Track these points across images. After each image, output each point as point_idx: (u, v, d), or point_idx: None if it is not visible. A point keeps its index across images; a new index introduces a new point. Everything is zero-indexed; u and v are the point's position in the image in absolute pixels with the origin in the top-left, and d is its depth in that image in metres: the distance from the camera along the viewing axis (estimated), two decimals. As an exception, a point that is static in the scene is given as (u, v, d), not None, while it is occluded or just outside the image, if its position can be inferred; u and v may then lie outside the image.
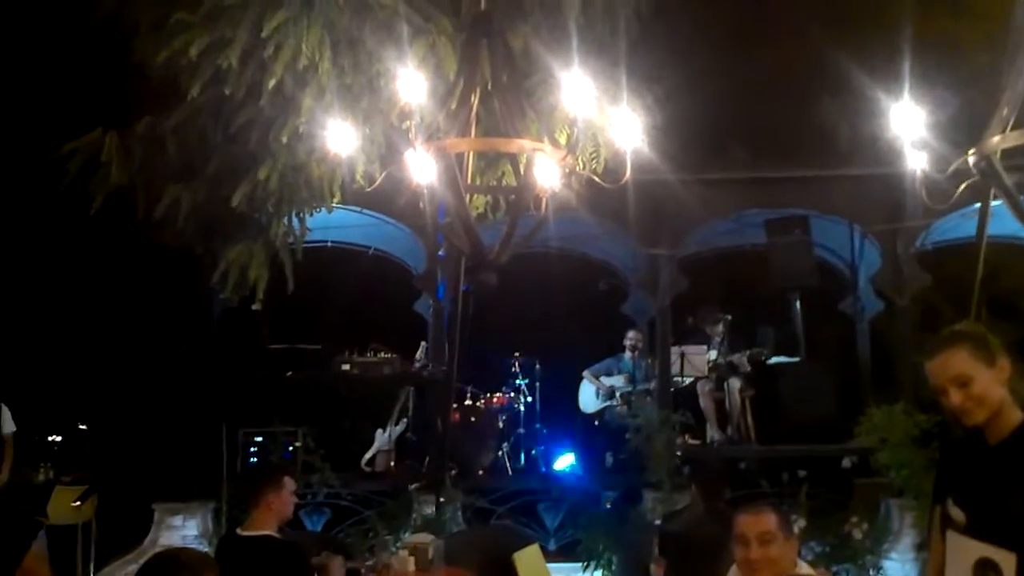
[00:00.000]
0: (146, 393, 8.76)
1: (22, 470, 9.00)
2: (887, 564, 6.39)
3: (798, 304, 8.33)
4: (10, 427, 6.87)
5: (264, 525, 3.79)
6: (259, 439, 7.47)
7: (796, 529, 4.16)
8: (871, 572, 6.43)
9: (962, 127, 5.38)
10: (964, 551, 2.26)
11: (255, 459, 7.36)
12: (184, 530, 6.81)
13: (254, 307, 6.08)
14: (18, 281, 9.49)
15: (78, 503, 6.77)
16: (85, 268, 9.02)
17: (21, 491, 7.94)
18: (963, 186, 4.86)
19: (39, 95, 7.66)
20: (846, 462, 7.71)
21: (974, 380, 2.27)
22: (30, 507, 6.99)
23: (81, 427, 11.84)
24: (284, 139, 5.32)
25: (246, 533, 3.81)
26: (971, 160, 4.58)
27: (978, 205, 5.55)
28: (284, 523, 3.95)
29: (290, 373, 7.87)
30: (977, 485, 2.29)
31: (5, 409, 6.84)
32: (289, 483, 3.94)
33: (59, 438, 11.73)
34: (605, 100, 4.66)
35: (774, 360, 8.28)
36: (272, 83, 5.07)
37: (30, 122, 7.30)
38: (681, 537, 4.53)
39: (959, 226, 7.74)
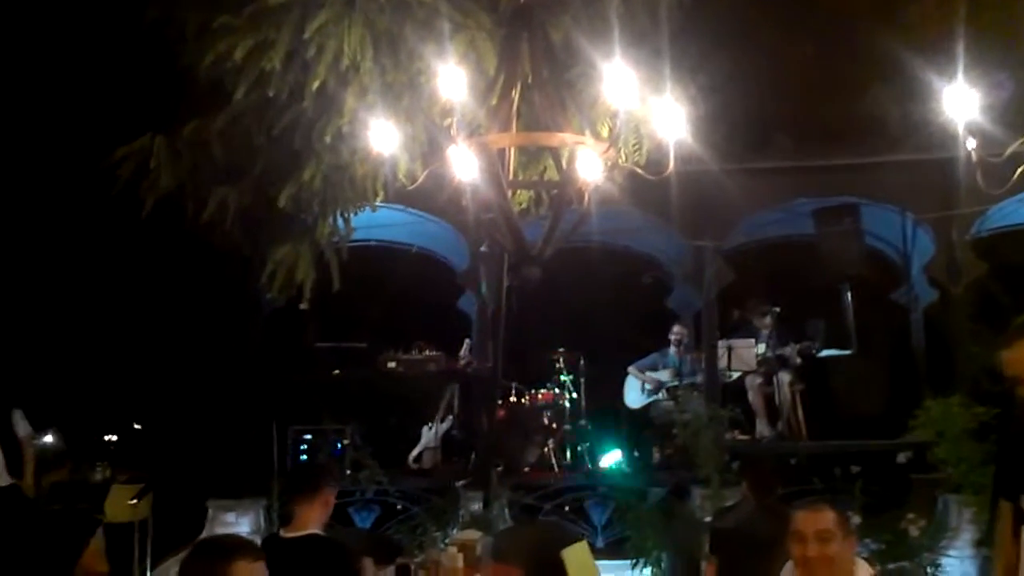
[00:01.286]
0: (199, 393, 8.92)
1: (80, 468, 9.26)
2: (945, 561, 6.22)
3: (849, 295, 8.16)
4: (25, 430, 6.93)
5: (310, 524, 3.80)
6: (308, 437, 7.57)
7: (852, 526, 4.07)
8: (928, 570, 6.26)
9: (1018, 110, 5.21)
10: None
11: (305, 456, 7.46)
12: (237, 527, 6.93)
13: (301, 307, 6.14)
14: (74, 285, 9.75)
15: (135, 501, 6.93)
16: (138, 271, 9.22)
17: (79, 490, 8.17)
18: (1020, 170, 4.70)
19: (90, 102, 7.84)
20: (901, 457, 7.53)
21: None
22: (88, 505, 7.18)
23: (136, 427, 12.13)
24: (327, 139, 5.35)
25: (291, 534, 3.79)
26: (1029, 143, 4.42)
27: (1037, 189, 5.35)
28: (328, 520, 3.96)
29: (337, 371, 7.96)
30: None
31: (19, 413, 6.90)
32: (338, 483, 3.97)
33: (115, 437, 12.03)
34: (647, 91, 4.59)
35: (825, 353, 8.12)
36: (315, 84, 5.11)
37: (82, 128, 7.47)
38: (733, 534, 4.46)
39: (1016, 211, 7.52)
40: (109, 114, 6.93)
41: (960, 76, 4.54)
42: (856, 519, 6.15)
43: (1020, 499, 2.26)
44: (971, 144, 4.62)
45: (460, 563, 4.64)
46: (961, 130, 4.54)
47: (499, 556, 4.89)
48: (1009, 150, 4.59)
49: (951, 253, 7.65)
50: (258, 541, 6.55)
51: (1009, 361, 2.23)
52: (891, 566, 6.21)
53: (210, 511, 6.99)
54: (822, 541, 2.63)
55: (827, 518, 2.66)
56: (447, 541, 5.19)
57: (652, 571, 6.45)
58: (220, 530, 6.86)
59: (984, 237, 7.97)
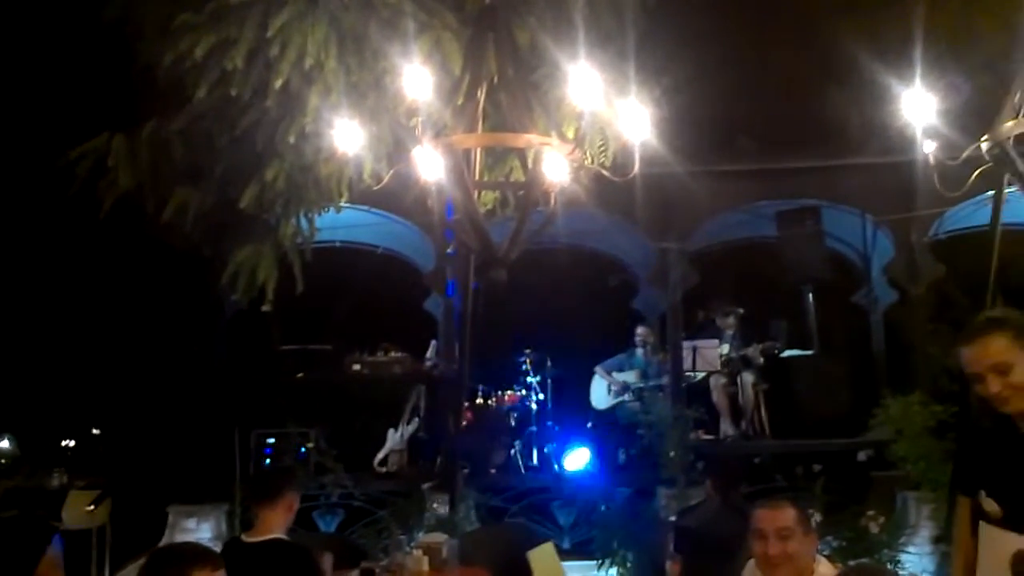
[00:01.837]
0: (159, 396, 8.77)
1: (37, 474, 9.05)
2: (904, 557, 6.32)
3: (811, 296, 8.27)
4: None
5: (274, 528, 3.74)
6: (272, 440, 7.47)
7: (814, 523, 4.12)
8: (888, 566, 6.36)
9: (974, 114, 5.32)
10: (1001, 543, 2.21)
11: (268, 460, 7.36)
12: (198, 532, 6.81)
13: (264, 308, 6.07)
14: (29, 287, 9.53)
15: (92, 507, 6.78)
16: (95, 272, 9.04)
17: (35, 496, 7.98)
18: (976, 173, 4.81)
19: (46, 100, 7.67)
20: (862, 455, 7.66)
21: (1014, 368, 2.20)
22: (44, 512, 7.01)
23: (94, 432, 11.89)
24: (291, 139, 5.30)
25: (253, 539, 3.74)
26: (984, 147, 4.53)
27: (992, 192, 5.48)
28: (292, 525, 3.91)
29: (301, 374, 7.87)
30: (1013, 476, 2.23)
31: None
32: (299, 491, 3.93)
33: (72, 443, 11.78)
34: (612, 93, 4.61)
35: (787, 353, 8.23)
36: (278, 83, 5.05)
37: (37, 127, 7.31)
38: (697, 533, 4.49)
39: (973, 214, 7.66)
40: (67, 112, 6.79)
41: (918, 80, 4.63)
42: (817, 517, 6.23)
43: (978, 494, 2.29)
44: (929, 147, 4.72)
45: (425, 566, 4.61)
46: (919, 134, 4.63)
47: (465, 558, 4.87)
48: (965, 153, 4.69)
49: (910, 255, 7.79)
50: (219, 547, 6.47)
51: (968, 359, 2.26)
52: (851, 563, 6.29)
53: (170, 517, 6.86)
54: (783, 539, 2.65)
55: (788, 516, 2.69)
56: (412, 544, 5.15)
57: (618, 571, 6.47)
58: (181, 536, 6.74)
59: (942, 240, 8.13)
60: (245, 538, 3.77)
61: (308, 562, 3.73)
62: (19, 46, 7.67)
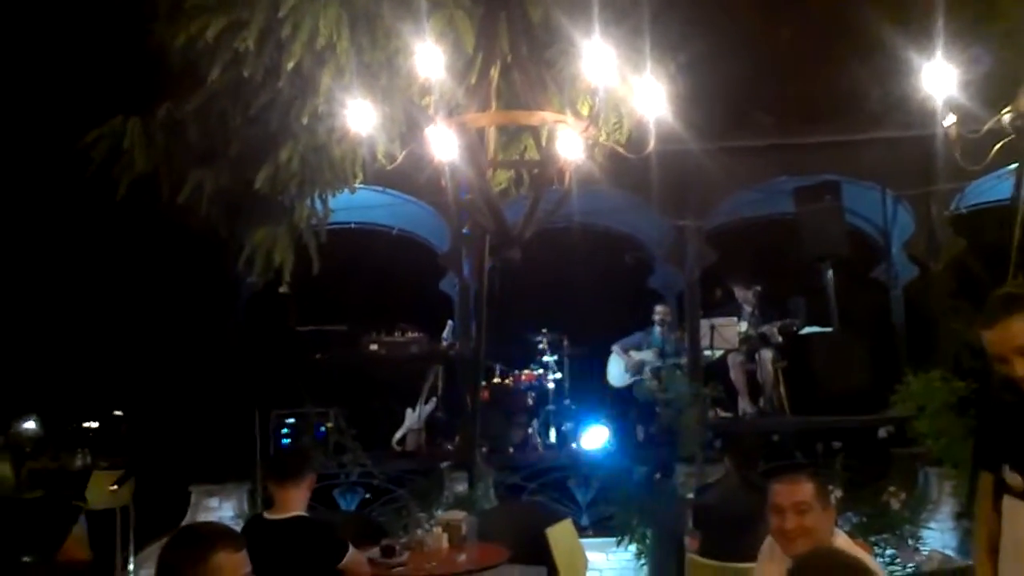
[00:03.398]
0: (179, 377, 8.87)
1: (61, 456, 9.20)
2: (926, 533, 6.30)
3: (830, 273, 8.19)
4: None
5: (295, 506, 3.79)
6: (291, 420, 7.54)
7: (833, 499, 4.10)
8: (909, 542, 6.34)
9: (996, 85, 5.22)
10: None
11: (287, 440, 7.43)
12: (220, 511, 6.90)
13: (280, 290, 6.09)
14: (50, 270, 9.63)
15: (115, 487, 6.88)
16: (115, 255, 9.11)
17: (60, 477, 8.11)
18: (998, 146, 4.72)
19: (61, 83, 7.70)
20: (882, 432, 7.61)
21: None
22: (69, 492, 7.12)
23: (117, 413, 12.04)
24: (304, 120, 5.29)
25: (276, 516, 3.79)
26: (1006, 119, 4.44)
27: (1014, 166, 5.39)
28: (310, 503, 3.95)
29: (319, 355, 7.92)
30: None
31: None
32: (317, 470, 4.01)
33: (96, 424, 11.94)
34: (627, 69, 4.56)
35: (806, 330, 8.16)
36: (291, 64, 5.04)
37: (52, 110, 7.35)
38: (715, 509, 4.50)
39: (994, 188, 7.53)
40: (81, 95, 6.81)
41: (939, 52, 4.53)
42: (838, 493, 6.22)
43: (1001, 469, 2.27)
44: (949, 121, 4.64)
45: (445, 543, 4.66)
46: (940, 107, 4.55)
47: (484, 536, 4.91)
48: (987, 126, 4.60)
49: (930, 230, 7.68)
50: (241, 526, 6.56)
51: (990, 341, 2.21)
52: (873, 538, 6.28)
53: (193, 496, 6.96)
54: (800, 513, 2.63)
55: (805, 490, 2.67)
56: (432, 522, 5.19)
57: (636, 548, 6.50)
58: (203, 515, 6.83)
59: (963, 214, 8.00)
60: (267, 515, 3.82)
61: (331, 539, 3.78)
62: (35, 30, 7.70)
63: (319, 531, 3.77)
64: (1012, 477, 2.23)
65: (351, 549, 3.78)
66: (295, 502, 3.79)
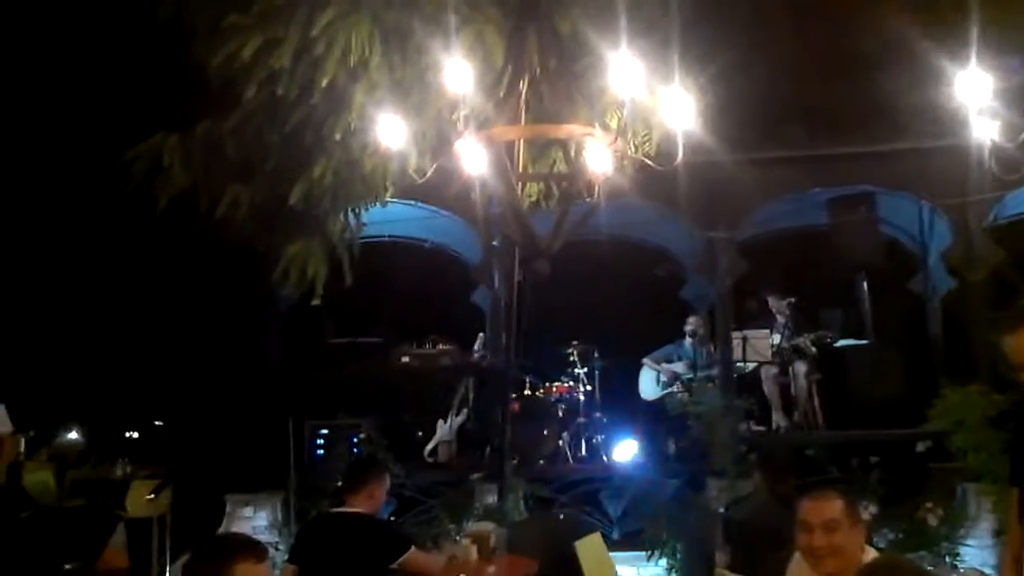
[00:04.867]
0: (217, 389, 9.01)
1: (102, 465, 9.39)
2: (964, 551, 6.17)
3: (865, 284, 8.09)
4: (6, 426, 6.88)
5: (360, 506, 3.97)
6: (324, 431, 7.63)
7: (866, 515, 4.04)
8: (947, 560, 6.22)
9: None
10: None
11: (321, 451, 7.52)
12: (255, 520, 7.00)
13: (314, 302, 6.18)
14: (93, 285, 9.86)
15: (153, 496, 7.01)
16: (155, 269, 9.31)
17: (101, 486, 8.28)
18: (1034, 156, 4.64)
19: (103, 101, 7.92)
20: (921, 446, 7.48)
21: None
22: (110, 501, 7.27)
23: (157, 423, 12.27)
24: (337, 136, 5.37)
25: (339, 510, 3.97)
26: (1043, 128, 4.36)
27: (1053, 175, 5.28)
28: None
29: (352, 366, 8.00)
30: None
31: (1, 408, 6.87)
32: (387, 479, 4.16)
33: (136, 434, 12.18)
34: (656, 81, 4.57)
35: (841, 343, 8.06)
36: (324, 81, 5.13)
37: (96, 128, 7.55)
38: (745, 524, 4.46)
39: (1034, 198, 7.41)
40: (123, 113, 7.00)
41: (973, 61, 4.48)
42: (873, 509, 6.12)
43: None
44: (987, 130, 4.57)
45: (474, 555, 4.66)
46: (975, 116, 4.49)
47: (513, 548, 4.91)
48: (1022, 136, 4.52)
49: (968, 241, 7.55)
50: (276, 535, 6.64)
51: (1012, 349, 2.19)
52: (909, 556, 6.16)
53: (228, 505, 7.06)
54: (829, 531, 2.60)
55: (834, 507, 2.63)
56: (462, 534, 5.21)
57: (667, 562, 6.45)
58: (238, 524, 6.94)
59: (1002, 224, 7.87)
60: (333, 510, 4.05)
61: (393, 533, 4.05)
62: (77, 49, 7.93)
63: (379, 526, 3.99)
64: None
65: (413, 548, 3.87)
66: (364, 506, 3.96)
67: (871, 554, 2.76)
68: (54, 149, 8.37)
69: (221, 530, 6.95)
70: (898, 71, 7.24)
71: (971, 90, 4.36)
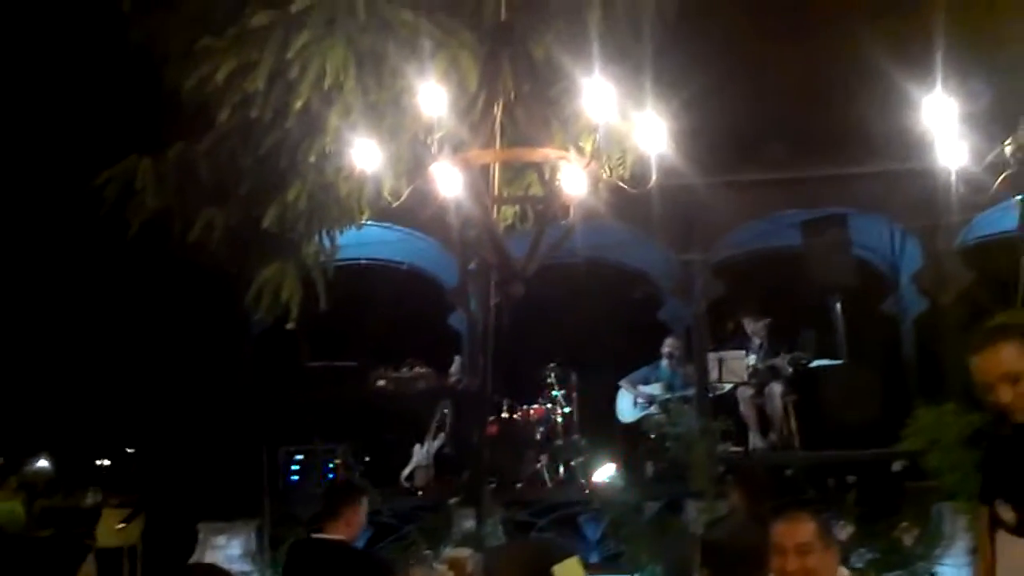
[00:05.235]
0: (189, 415, 8.89)
1: (72, 494, 9.23)
2: (940, 570, 6.19)
3: (839, 306, 8.17)
4: None
5: (338, 532, 3.88)
6: (299, 457, 7.54)
7: (840, 536, 4.05)
8: (924, 579, 6.25)
9: (997, 118, 5.24)
10: (1017, 553, 2.17)
11: (296, 477, 7.42)
12: (228, 549, 6.89)
13: (288, 326, 6.12)
14: (63, 309, 9.72)
15: (123, 525, 6.89)
16: (125, 293, 9.21)
17: (71, 515, 8.13)
18: (1001, 178, 4.73)
19: (75, 123, 7.86)
20: (896, 466, 7.52)
21: None
22: (80, 530, 7.14)
23: (128, 451, 12.06)
24: (312, 159, 5.36)
25: (319, 536, 3.88)
26: (1008, 151, 4.46)
27: (1019, 198, 5.38)
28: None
29: (328, 391, 7.93)
30: None
31: None
32: (366, 503, 4.05)
33: (107, 462, 11.97)
34: (630, 105, 4.62)
35: (816, 363, 8.11)
36: (299, 104, 5.12)
37: (67, 150, 7.49)
38: (723, 546, 4.45)
39: (1001, 219, 7.51)
40: (95, 136, 6.94)
41: (939, 86, 4.57)
42: (849, 528, 6.14)
43: (994, 503, 2.25)
44: (953, 153, 4.65)
45: (450, 581, 4.62)
46: (940, 139, 4.57)
47: (491, 573, 4.86)
48: (988, 158, 4.62)
49: (939, 263, 7.66)
50: (250, 563, 6.53)
51: (978, 368, 2.23)
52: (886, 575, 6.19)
53: (201, 533, 6.94)
54: (802, 554, 2.60)
55: (807, 530, 2.63)
56: (439, 559, 5.15)
57: (646, 585, 6.42)
58: (211, 553, 6.82)
59: (971, 246, 7.99)
60: (314, 535, 3.95)
61: (374, 561, 3.97)
62: (49, 72, 7.88)
63: (361, 555, 3.94)
64: (1005, 511, 2.21)
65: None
66: (341, 532, 3.87)
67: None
68: (25, 172, 8.28)
69: (193, 559, 6.83)
70: (869, 95, 7.38)
71: (937, 114, 4.45)
